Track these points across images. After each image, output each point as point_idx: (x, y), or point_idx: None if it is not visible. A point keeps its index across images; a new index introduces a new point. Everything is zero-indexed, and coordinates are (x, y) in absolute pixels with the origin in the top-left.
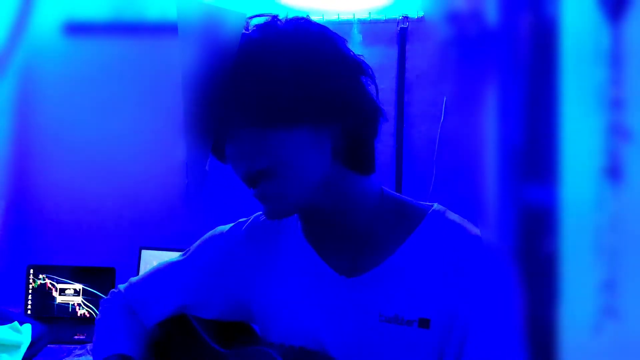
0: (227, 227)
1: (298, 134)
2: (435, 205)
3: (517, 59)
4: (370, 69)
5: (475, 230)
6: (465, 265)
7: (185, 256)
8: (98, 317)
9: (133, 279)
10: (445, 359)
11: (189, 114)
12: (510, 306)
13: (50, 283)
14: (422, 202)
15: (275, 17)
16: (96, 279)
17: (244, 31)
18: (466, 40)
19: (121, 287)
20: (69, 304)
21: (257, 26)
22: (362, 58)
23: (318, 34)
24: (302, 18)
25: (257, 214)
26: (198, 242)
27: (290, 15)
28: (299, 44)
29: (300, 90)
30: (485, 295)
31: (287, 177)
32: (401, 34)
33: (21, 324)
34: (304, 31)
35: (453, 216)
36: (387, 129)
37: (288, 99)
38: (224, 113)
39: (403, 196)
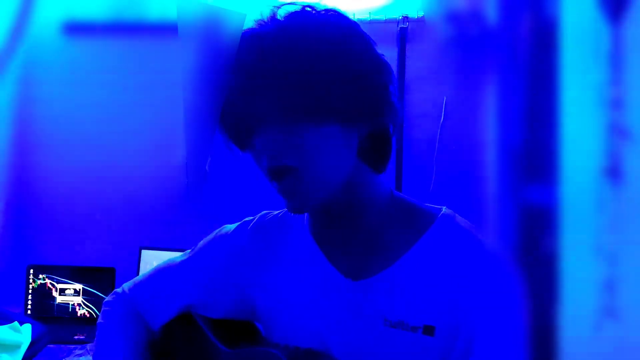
0: (232, 226)
1: (328, 132)
2: (444, 209)
3: (517, 59)
4: (392, 70)
5: (483, 237)
6: (473, 274)
7: (190, 255)
8: (100, 319)
9: (137, 279)
10: None
11: (191, 111)
12: (516, 317)
13: (50, 283)
14: (431, 205)
15: (306, 7)
16: (96, 279)
17: (277, 18)
18: (466, 40)
19: (125, 286)
20: (69, 304)
21: (291, 15)
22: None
23: (352, 30)
24: (335, 11)
25: (262, 212)
26: (203, 241)
27: (320, 7)
28: (336, 39)
29: (334, 88)
30: (491, 306)
31: (313, 174)
32: (401, 34)
33: (21, 324)
34: (340, 26)
35: (462, 221)
36: None
37: (321, 95)
38: (256, 106)
39: (412, 198)
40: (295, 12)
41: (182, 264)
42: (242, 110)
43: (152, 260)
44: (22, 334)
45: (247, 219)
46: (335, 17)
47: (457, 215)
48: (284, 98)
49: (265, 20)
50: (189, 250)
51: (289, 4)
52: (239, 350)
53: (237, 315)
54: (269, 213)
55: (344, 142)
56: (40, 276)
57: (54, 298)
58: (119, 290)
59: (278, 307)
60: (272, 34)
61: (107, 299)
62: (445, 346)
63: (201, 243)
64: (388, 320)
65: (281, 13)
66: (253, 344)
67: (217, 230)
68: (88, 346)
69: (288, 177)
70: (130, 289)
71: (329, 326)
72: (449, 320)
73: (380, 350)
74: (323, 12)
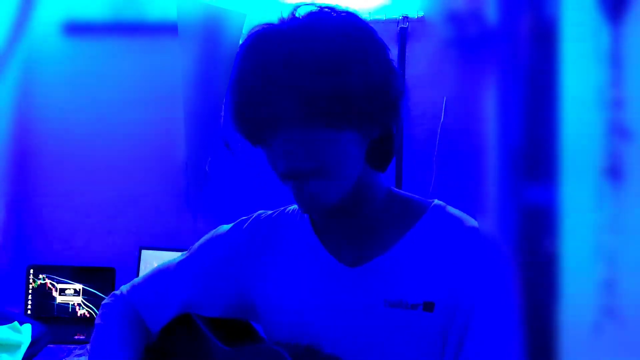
0: (228, 226)
1: (345, 137)
2: (436, 201)
3: (517, 59)
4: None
5: (474, 223)
6: (465, 254)
7: (187, 256)
8: (97, 321)
9: (135, 281)
10: (448, 343)
11: (191, 111)
12: (508, 293)
13: (50, 283)
14: (423, 198)
15: (324, 8)
16: (96, 279)
17: (295, 15)
18: (466, 40)
19: (123, 288)
20: (69, 304)
21: (313, 15)
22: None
23: (374, 35)
24: (352, 13)
25: (258, 212)
26: (200, 241)
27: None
28: (362, 45)
29: (357, 95)
30: (485, 282)
31: (331, 177)
32: (401, 34)
33: (21, 324)
34: (363, 30)
35: (452, 210)
36: None
37: (345, 102)
38: (279, 107)
39: (407, 193)
40: (316, 13)
41: (179, 264)
42: (264, 109)
43: (152, 260)
44: (22, 334)
45: (242, 218)
46: (356, 21)
47: (447, 205)
48: (309, 102)
49: (286, 19)
50: (186, 252)
51: (302, 4)
52: (241, 348)
53: (236, 313)
54: (263, 212)
55: (358, 146)
56: (40, 276)
57: (54, 298)
58: (117, 292)
59: (278, 301)
60: (299, 34)
61: (105, 301)
62: (445, 322)
63: (197, 244)
64: (388, 300)
65: (300, 13)
66: (253, 342)
67: (213, 231)
68: (88, 346)
69: (302, 179)
70: (128, 291)
71: (331, 314)
72: (447, 297)
73: (383, 331)
74: (343, 13)
